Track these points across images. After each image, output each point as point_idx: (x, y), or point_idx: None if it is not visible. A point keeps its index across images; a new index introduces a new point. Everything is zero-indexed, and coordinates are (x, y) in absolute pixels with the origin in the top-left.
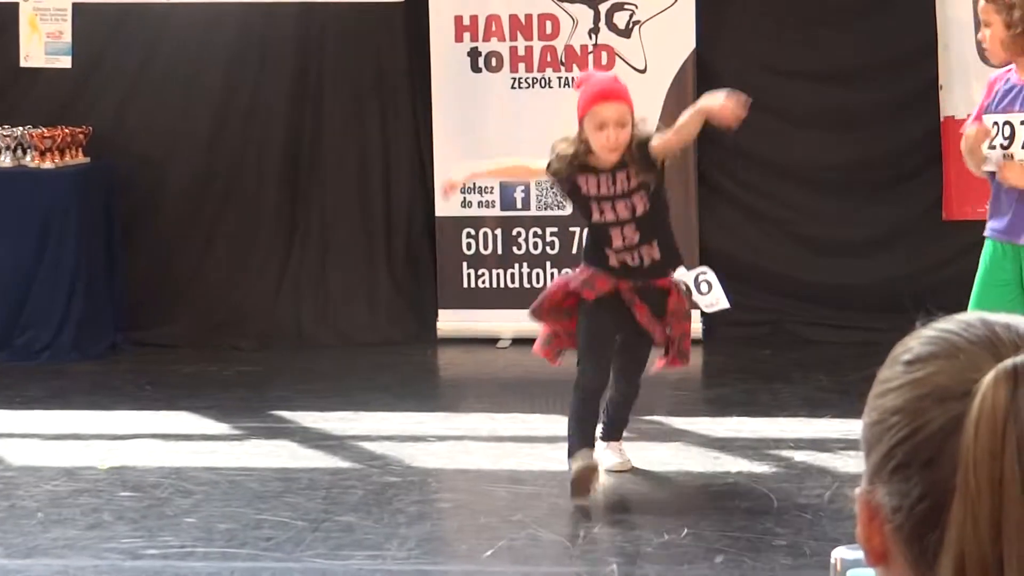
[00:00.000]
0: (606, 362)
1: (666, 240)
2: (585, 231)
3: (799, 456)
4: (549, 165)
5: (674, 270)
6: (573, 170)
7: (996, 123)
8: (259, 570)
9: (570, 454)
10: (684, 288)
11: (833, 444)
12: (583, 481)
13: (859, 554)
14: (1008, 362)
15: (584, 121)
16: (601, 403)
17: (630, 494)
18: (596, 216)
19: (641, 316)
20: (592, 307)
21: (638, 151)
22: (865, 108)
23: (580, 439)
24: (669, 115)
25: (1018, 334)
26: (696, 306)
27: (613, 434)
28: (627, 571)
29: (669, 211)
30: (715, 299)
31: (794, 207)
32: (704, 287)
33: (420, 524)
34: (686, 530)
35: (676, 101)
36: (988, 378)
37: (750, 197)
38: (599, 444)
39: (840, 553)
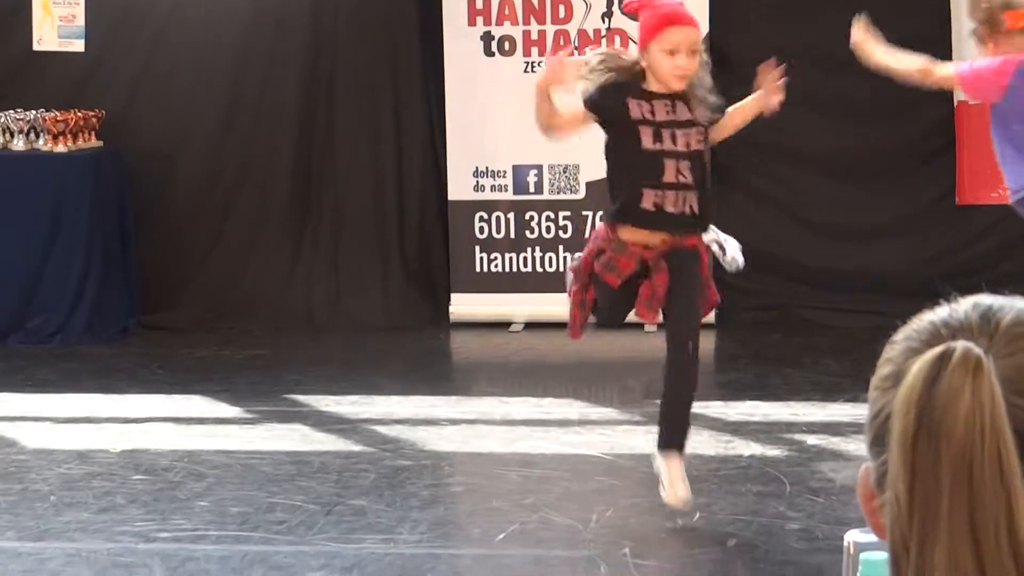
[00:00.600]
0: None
1: (706, 196)
2: (609, 179)
3: (811, 440)
4: (586, 91)
5: (705, 232)
6: (623, 92)
7: None
8: (271, 553)
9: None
10: (713, 249)
11: (845, 428)
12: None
13: (872, 537)
14: (937, 348)
15: (652, 45)
16: None
17: (643, 478)
18: (648, 142)
19: (646, 292)
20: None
21: (701, 90)
22: (878, 93)
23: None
24: None
25: (982, 319)
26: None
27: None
28: (639, 555)
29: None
30: (732, 256)
31: (805, 192)
32: (723, 247)
33: (432, 508)
34: (698, 514)
35: None
36: (915, 365)
37: (761, 182)
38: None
39: (853, 536)
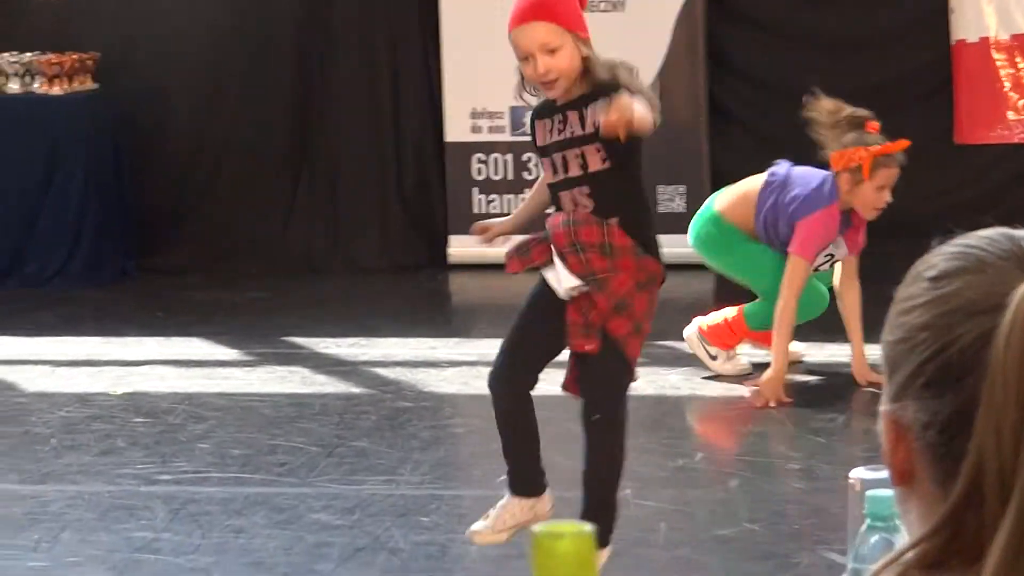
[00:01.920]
0: (524, 359)
1: (632, 220)
2: None
3: (813, 380)
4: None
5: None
6: (535, 113)
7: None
8: (273, 495)
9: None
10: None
11: (846, 368)
12: None
13: (878, 475)
14: None
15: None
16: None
17: (643, 419)
18: (547, 174)
19: (575, 317)
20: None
21: (601, 92)
22: (875, 32)
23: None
24: (678, 50)
25: None
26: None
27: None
28: (641, 495)
29: (641, 188)
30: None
31: (804, 131)
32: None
33: (433, 449)
34: (700, 454)
35: (686, 30)
36: (1021, 291)
37: (761, 121)
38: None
39: (859, 474)
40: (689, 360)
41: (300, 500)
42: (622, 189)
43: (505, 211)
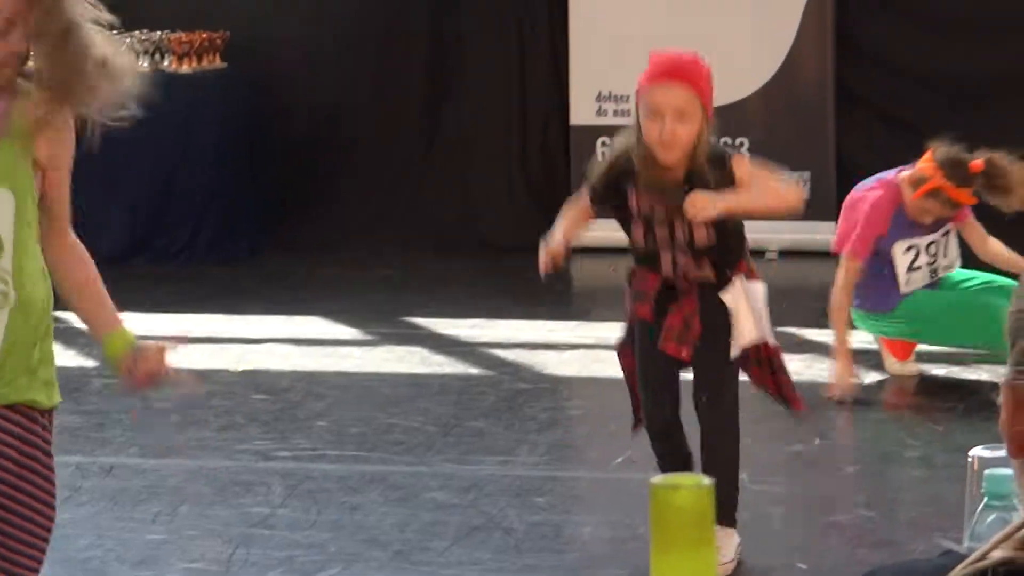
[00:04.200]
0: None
1: (725, 258)
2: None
3: (933, 369)
4: (590, 181)
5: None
6: (617, 178)
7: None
8: (389, 473)
9: None
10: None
11: (966, 357)
12: None
13: (997, 453)
14: None
15: (639, 108)
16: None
17: (764, 404)
18: (638, 236)
19: (672, 321)
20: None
21: (712, 171)
22: (1011, 15)
23: None
24: (806, 35)
25: None
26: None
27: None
28: (757, 479)
29: (744, 235)
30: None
31: (935, 117)
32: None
33: (550, 431)
34: (818, 440)
35: (815, 14)
36: None
37: (890, 106)
38: None
39: (978, 452)
40: (811, 347)
41: (416, 479)
42: (723, 246)
43: None
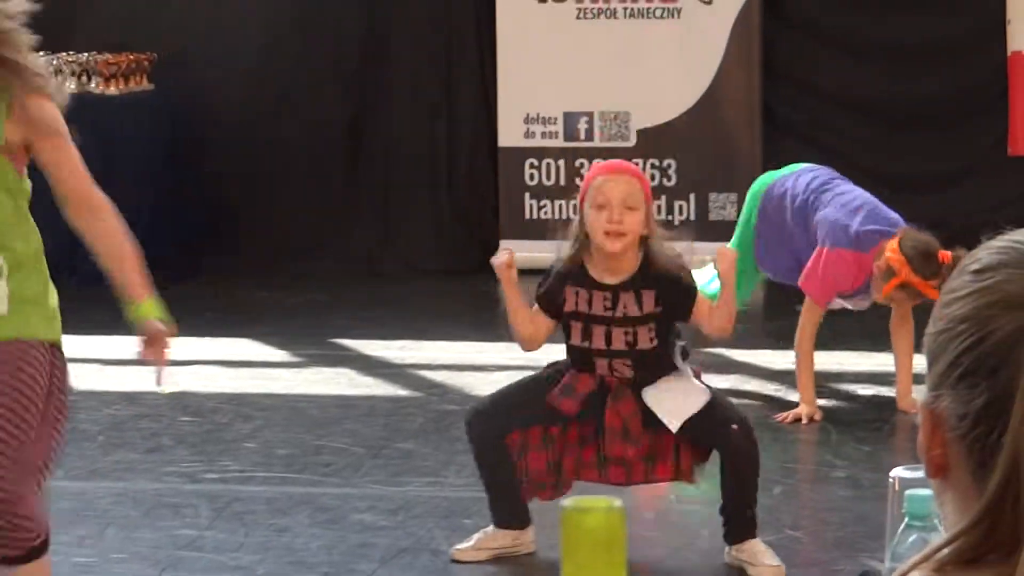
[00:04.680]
0: (509, 410)
1: (662, 368)
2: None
3: (858, 389)
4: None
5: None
6: (565, 280)
7: None
8: (318, 495)
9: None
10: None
11: (892, 378)
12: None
13: (917, 474)
14: None
15: (585, 204)
16: None
17: None
18: (576, 339)
19: (614, 421)
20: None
21: (668, 281)
22: (932, 42)
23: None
24: (733, 58)
25: None
26: None
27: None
28: (685, 501)
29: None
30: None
31: (859, 141)
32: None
33: None
34: None
35: (741, 38)
36: None
37: (815, 131)
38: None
39: (898, 473)
40: (737, 367)
41: (344, 500)
42: (661, 355)
43: (557, 216)
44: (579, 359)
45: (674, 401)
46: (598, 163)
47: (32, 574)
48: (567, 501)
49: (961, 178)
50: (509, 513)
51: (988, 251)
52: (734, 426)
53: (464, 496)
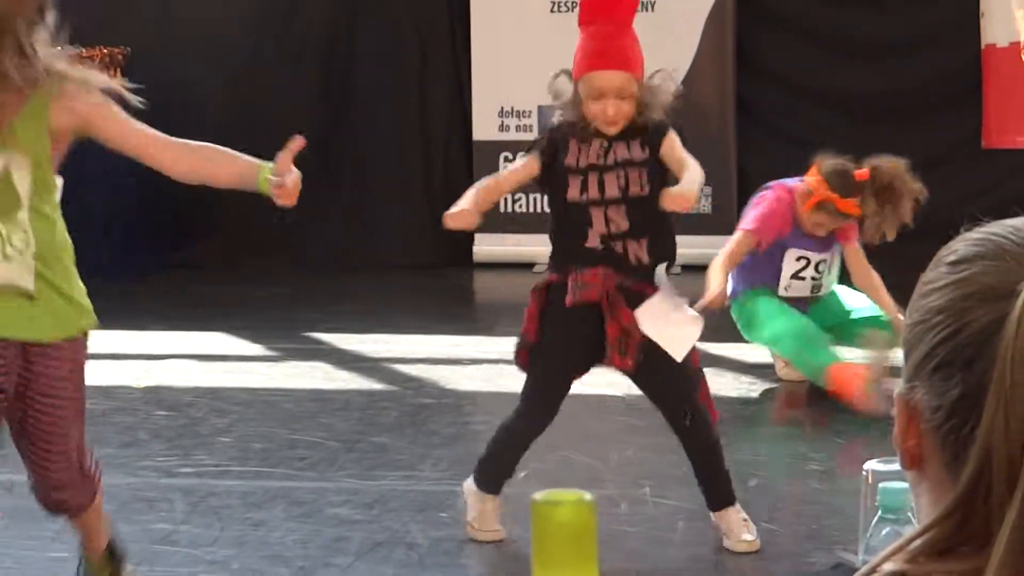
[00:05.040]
0: (556, 402)
1: (658, 243)
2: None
3: None
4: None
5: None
6: (564, 134)
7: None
8: (293, 489)
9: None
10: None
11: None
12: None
13: (891, 467)
14: None
15: (579, 85)
16: None
17: (662, 419)
18: (575, 193)
19: (614, 332)
20: (560, 326)
21: (653, 133)
22: (905, 35)
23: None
24: (707, 50)
25: None
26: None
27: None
28: (659, 493)
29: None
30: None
31: (832, 133)
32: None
33: (454, 446)
34: None
35: (715, 30)
36: None
37: (789, 124)
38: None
39: (872, 466)
40: (709, 361)
41: (320, 495)
42: (653, 205)
43: (531, 211)
44: (576, 219)
45: (674, 330)
46: (589, 44)
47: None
48: (537, 494)
49: (934, 171)
50: (499, 482)
51: (965, 243)
52: (687, 422)
53: (439, 490)
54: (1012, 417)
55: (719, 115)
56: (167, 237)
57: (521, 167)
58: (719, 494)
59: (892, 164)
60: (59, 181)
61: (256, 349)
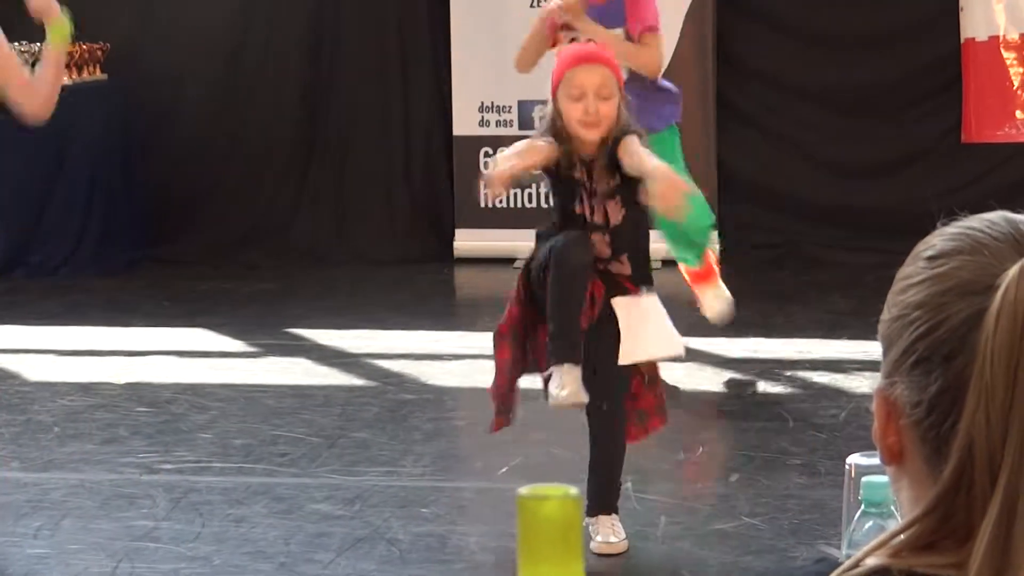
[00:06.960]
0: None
1: (638, 256)
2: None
3: (815, 377)
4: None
5: (643, 288)
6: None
7: None
8: (274, 485)
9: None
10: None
11: (848, 365)
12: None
13: (873, 461)
14: None
15: (558, 93)
16: None
17: None
18: (581, 208)
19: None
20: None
21: (615, 152)
22: (885, 29)
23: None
24: (687, 45)
25: None
26: None
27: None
28: (641, 488)
29: (648, 222)
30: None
31: (812, 128)
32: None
33: (435, 441)
34: (701, 449)
35: (695, 25)
36: (1012, 272)
37: (768, 118)
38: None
39: (855, 459)
40: (692, 355)
41: (301, 490)
42: (633, 233)
43: (512, 205)
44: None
45: (642, 332)
46: (568, 49)
47: None
48: (523, 489)
49: (914, 165)
50: (571, 348)
51: (942, 238)
52: (604, 404)
53: (420, 486)
54: (993, 411)
55: (700, 109)
56: (148, 232)
57: (547, 147)
58: (601, 500)
59: None
60: None
61: (237, 345)
